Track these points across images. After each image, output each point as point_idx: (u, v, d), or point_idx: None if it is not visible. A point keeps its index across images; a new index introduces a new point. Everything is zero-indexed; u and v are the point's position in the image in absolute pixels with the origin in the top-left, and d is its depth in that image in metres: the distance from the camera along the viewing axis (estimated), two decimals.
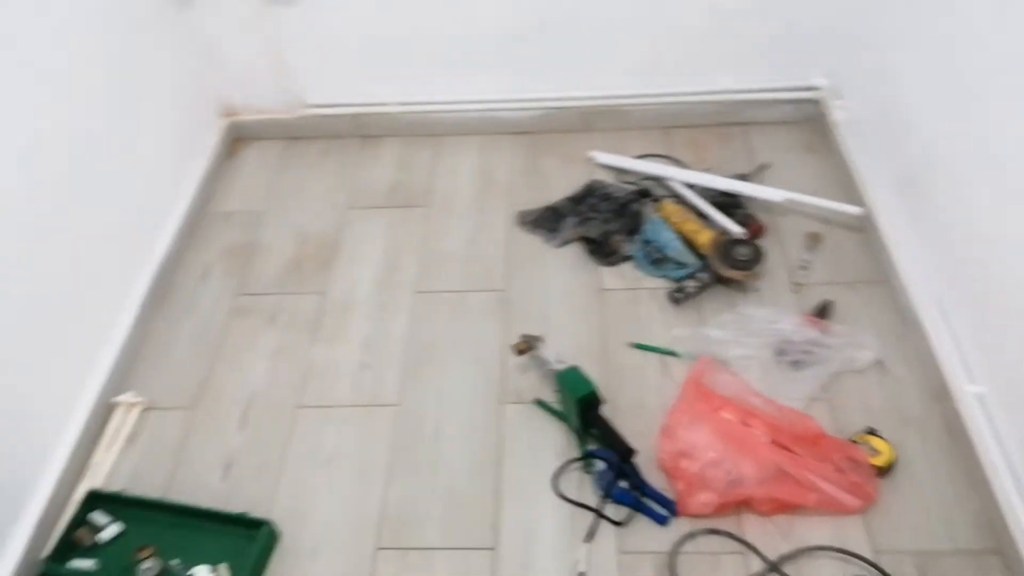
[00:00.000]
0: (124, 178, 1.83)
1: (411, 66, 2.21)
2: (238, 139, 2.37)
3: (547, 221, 2.03)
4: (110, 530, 1.53)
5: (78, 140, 1.66)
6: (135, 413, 1.72)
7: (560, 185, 2.15)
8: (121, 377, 1.77)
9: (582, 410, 1.54)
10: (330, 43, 2.16)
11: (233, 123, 2.34)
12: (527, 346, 1.69)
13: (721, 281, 1.84)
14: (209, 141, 2.25)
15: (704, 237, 1.87)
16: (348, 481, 1.60)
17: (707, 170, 2.08)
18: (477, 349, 1.80)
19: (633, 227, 1.96)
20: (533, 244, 2.01)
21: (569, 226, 2.00)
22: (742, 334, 1.75)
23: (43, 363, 1.55)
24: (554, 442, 1.62)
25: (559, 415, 1.64)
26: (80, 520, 1.54)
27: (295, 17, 2.10)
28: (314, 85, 2.26)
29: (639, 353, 1.75)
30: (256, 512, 1.51)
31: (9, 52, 1.45)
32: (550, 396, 1.68)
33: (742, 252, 1.82)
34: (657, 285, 1.88)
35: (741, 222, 1.93)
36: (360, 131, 2.34)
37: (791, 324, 1.74)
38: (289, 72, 2.21)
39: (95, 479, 1.62)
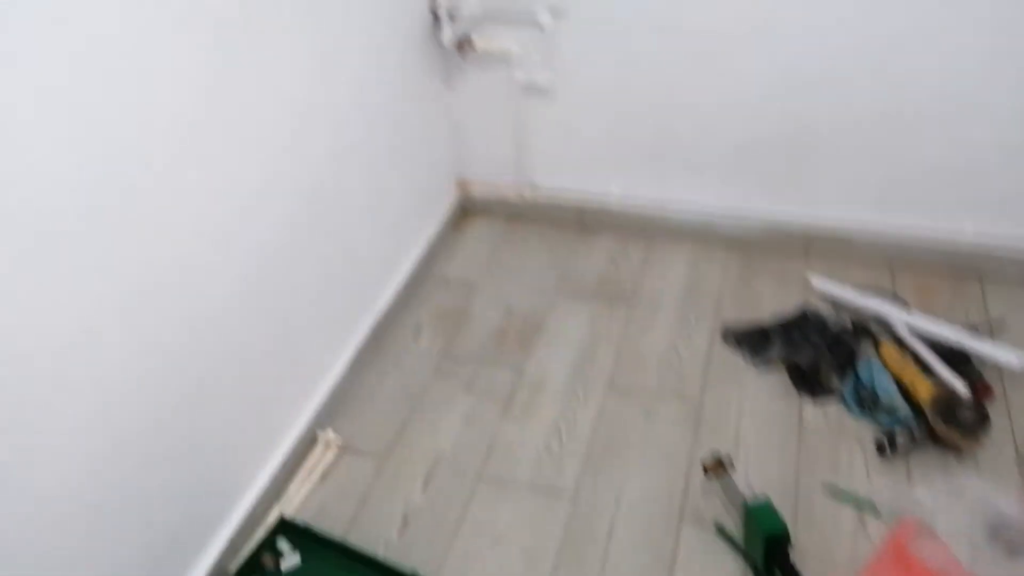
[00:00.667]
0: (367, 232, 2.00)
1: (639, 164, 2.28)
2: (467, 211, 2.53)
3: (753, 340, 1.99)
4: (291, 559, 1.63)
5: (338, 189, 1.83)
6: (332, 452, 1.84)
7: (770, 306, 2.11)
8: (327, 416, 1.90)
9: (768, 549, 1.47)
10: (569, 135, 2.28)
11: (465, 195, 2.50)
12: (718, 466, 1.65)
13: (935, 440, 1.71)
14: (442, 209, 2.42)
15: (924, 389, 1.76)
16: (515, 563, 1.61)
17: (935, 318, 1.96)
18: (663, 457, 1.77)
19: (846, 363, 1.88)
20: (735, 361, 1.98)
21: (776, 349, 1.95)
22: (953, 502, 1.60)
23: (265, 391, 1.70)
24: (729, 575, 1.56)
25: (739, 548, 1.57)
26: (268, 543, 1.64)
27: (543, 106, 2.24)
28: (545, 170, 2.38)
29: (832, 500, 1.66)
30: (425, 572, 1.56)
31: (297, 103, 1.65)
32: (732, 524, 1.62)
33: (966, 414, 1.69)
34: (863, 430, 1.79)
35: (968, 381, 1.80)
36: (579, 220, 2.43)
37: (1011, 503, 1.58)
38: (526, 156, 2.35)
39: (287, 507, 1.74)
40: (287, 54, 1.57)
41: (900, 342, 1.94)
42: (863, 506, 1.64)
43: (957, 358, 1.87)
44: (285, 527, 1.67)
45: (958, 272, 2.15)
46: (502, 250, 2.39)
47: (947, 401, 1.72)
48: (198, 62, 1.33)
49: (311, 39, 1.63)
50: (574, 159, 2.33)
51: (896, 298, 2.08)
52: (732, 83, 2.06)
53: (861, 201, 2.15)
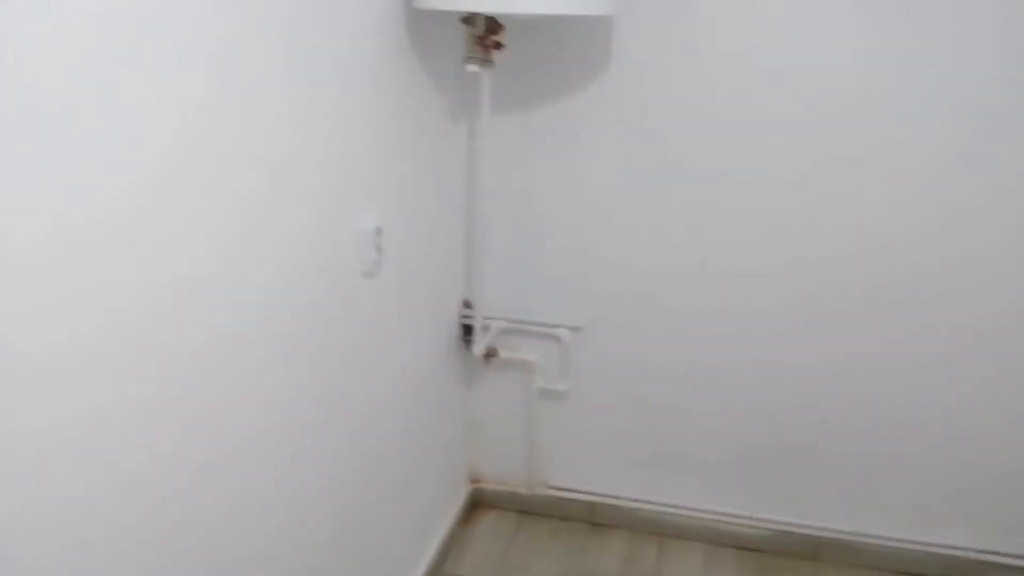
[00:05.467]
0: (384, 535, 2.01)
1: (649, 467, 2.38)
2: (476, 504, 2.56)
3: None
4: None
5: (363, 496, 1.87)
6: None
7: None
8: None
9: None
10: (581, 437, 2.40)
11: (476, 489, 2.55)
12: None
13: None
14: (454, 505, 2.45)
15: None
16: None
17: None
18: None
19: None
20: None
21: None
22: None
23: None
24: None
25: None
26: None
27: (557, 409, 2.38)
28: (557, 468, 2.47)
29: None
30: None
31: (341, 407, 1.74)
32: None
33: None
34: None
35: None
36: (590, 516, 2.48)
37: None
38: (539, 454, 2.45)
39: None
40: (348, 369, 1.69)
41: None
42: None
43: None
44: None
45: None
46: (514, 547, 2.40)
47: None
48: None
49: (366, 349, 1.77)
50: (586, 459, 2.43)
51: None
52: (730, 396, 2.24)
53: (863, 511, 2.26)
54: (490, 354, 2.28)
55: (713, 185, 2.06)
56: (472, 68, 1.90)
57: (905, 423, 2.15)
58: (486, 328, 2.27)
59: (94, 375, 0.98)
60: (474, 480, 2.56)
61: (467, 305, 2.29)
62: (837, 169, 1.97)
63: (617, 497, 2.43)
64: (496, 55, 1.93)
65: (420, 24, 1.78)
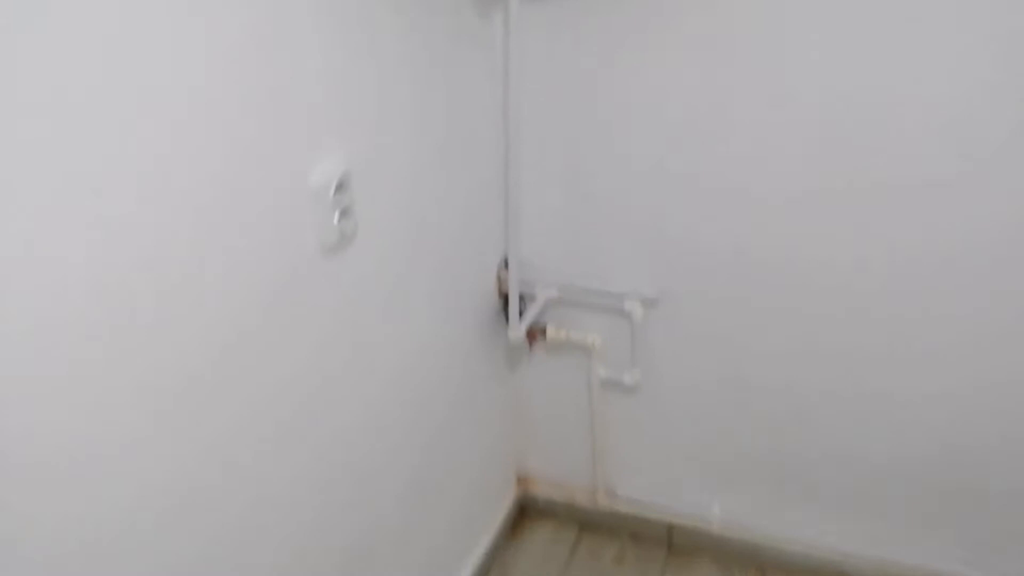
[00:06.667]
0: (404, 552, 1.55)
1: (747, 483, 1.81)
2: (526, 513, 2.06)
3: None
4: None
5: (370, 500, 1.42)
6: None
7: None
8: None
9: None
10: (658, 439, 1.84)
11: (525, 493, 2.05)
12: None
13: None
14: (498, 510, 1.96)
15: None
16: None
17: None
18: None
19: None
20: None
21: None
22: None
23: None
24: None
25: None
26: None
27: (626, 402, 1.83)
28: (626, 475, 1.93)
29: None
30: None
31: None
32: None
33: None
34: None
35: None
36: (669, 539, 1.93)
37: None
38: (602, 456, 1.90)
39: None
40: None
41: None
42: None
43: None
44: None
45: None
46: (571, 572, 1.90)
47: None
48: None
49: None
50: (663, 467, 1.88)
51: None
52: (868, 396, 1.61)
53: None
54: (534, 334, 1.73)
55: (836, 110, 1.40)
56: None
57: None
58: (530, 299, 1.72)
59: None
60: (522, 481, 2.05)
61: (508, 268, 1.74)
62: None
63: (703, 518, 1.87)
64: None
65: None
